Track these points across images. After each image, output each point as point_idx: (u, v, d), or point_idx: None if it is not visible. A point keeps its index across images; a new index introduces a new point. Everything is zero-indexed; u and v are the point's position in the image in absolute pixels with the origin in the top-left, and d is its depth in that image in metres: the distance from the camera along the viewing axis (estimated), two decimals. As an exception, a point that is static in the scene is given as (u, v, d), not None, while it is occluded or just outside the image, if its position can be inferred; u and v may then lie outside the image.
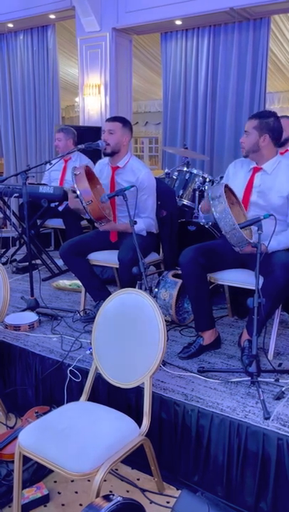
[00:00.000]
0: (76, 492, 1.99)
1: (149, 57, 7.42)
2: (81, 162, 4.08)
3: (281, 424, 1.83)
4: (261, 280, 2.24)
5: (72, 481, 2.02)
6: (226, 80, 5.59)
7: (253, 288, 2.09)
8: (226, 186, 2.29)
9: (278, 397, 2.01)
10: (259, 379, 2.07)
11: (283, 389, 2.05)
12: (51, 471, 2.05)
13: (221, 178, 3.31)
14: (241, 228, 2.14)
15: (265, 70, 5.33)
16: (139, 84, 8.51)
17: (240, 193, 2.44)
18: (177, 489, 1.98)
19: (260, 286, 2.12)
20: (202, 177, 3.64)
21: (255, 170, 2.44)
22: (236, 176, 2.52)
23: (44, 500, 1.93)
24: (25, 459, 1.81)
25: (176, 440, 2.03)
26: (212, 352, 2.48)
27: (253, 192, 2.42)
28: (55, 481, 2.04)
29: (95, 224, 2.78)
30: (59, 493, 1.99)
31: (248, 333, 2.35)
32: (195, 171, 3.68)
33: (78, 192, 2.52)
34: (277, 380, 2.15)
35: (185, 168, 3.72)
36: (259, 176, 2.42)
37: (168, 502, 1.91)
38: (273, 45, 6.26)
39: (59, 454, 1.60)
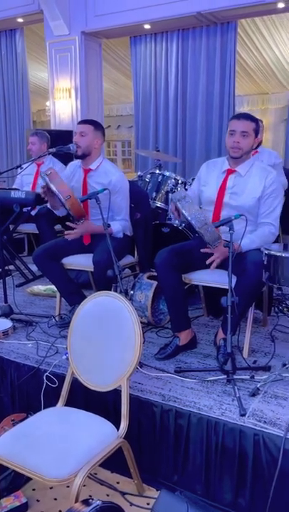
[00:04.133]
0: (55, 499, 1.97)
1: (120, 60, 7.45)
2: (54, 166, 4.06)
3: (257, 420, 1.86)
4: (234, 279, 2.27)
5: (51, 487, 2.00)
6: (195, 83, 5.67)
7: (227, 287, 2.12)
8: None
9: (254, 394, 2.04)
10: (235, 377, 2.10)
11: (258, 385, 2.09)
12: (29, 479, 2.02)
13: (193, 179, 3.35)
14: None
15: (233, 73, 5.44)
16: (110, 88, 8.53)
17: (213, 194, 2.47)
18: (157, 490, 1.98)
19: (233, 286, 2.15)
20: (174, 179, 3.67)
21: (229, 172, 2.47)
22: (209, 177, 2.55)
23: (23, 508, 1.90)
24: (2, 468, 1.78)
25: (154, 441, 2.04)
26: (188, 352, 2.50)
27: (226, 193, 2.46)
28: (34, 489, 2.02)
29: (72, 224, 2.73)
30: (38, 500, 1.96)
31: (223, 332, 2.39)
32: (167, 173, 3.71)
33: (55, 189, 2.49)
34: (252, 377, 2.18)
35: (157, 171, 3.74)
36: (232, 178, 2.46)
37: (148, 503, 1.91)
38: (241, 50, 6.39)
39: (36, 461, 1.58)
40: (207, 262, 2.30)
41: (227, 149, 2.44)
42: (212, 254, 2.33)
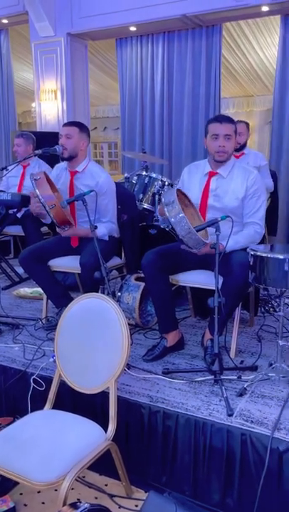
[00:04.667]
0: (43, 503, 1.95)
1: (105, 62, 7.44)
2: (40, 168, 4.04)
3: (244, 419, 1.87)
4: (221, 280, 2.29)
5: (38, 491, 1.98)
6: (181, 85, 5.69)
7: (214, 288, 2.13)
8: (178, 190, 2.33)
9: (241, 394, 2.06)
10: (222, 377, 2.11)
11: (245, 385, 2.10)
12: (17, 483, 2.00)
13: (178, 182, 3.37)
14: (199, 231, 2.19)
15: (218, 75, 5.48)
16: (96, 90, 8.51)
17: (197, 197, 2.49)
18: (145, 492, 1.98)
19: (220, 286, 2.17)
20: (161, 181, 3.68)
21: (211, 174, 2.49)
22: (191, 180, 2.56)
23: (10, 513, 1.88)
24: (-11, 473, 1.76)
25: (142, 443, 2.04)
26: (176, 353, 2.51)
27: (210, 196, 2.47)
28: (21, 493, 2.00)
29: (57, 230, 2.74)
30: (25, 505, 1.95)
31: (210, 333, 2.40)
32: (154, 175, 3.72)
33: (40, 197, 2.49)
34: (239, 377, 2.20)
35: (144, 173, 3.75)
36: (215, 180, 2.47)
37: (136, 505, 1.91)
38: (226, 52, 6.44)
39: (24, 465, 1.57)
40: (182, 247, 2.30)
41: (210, 153, 2.44)
42: (199, 256, 2.34)
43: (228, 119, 2.41)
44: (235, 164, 2.47)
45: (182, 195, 2.39)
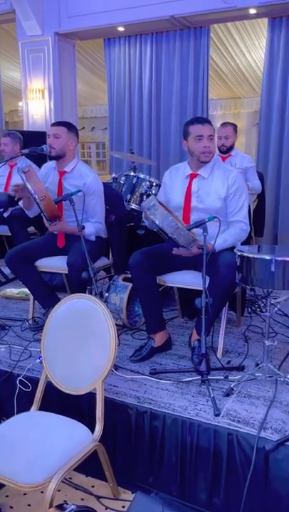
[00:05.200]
0: (29, 505, 1.93)
1: (94, 62, 7.43)
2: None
3: (231, 419, 1.88)
4: (208, 280, 2.30)
5: (24, 494, 1.96)
6: (169, 86, 5.71)
7: (201, 289, 2.14)
8: (157, 200, 2.33)
9: (228, 394, 2.06)
10: (209, 377, 2.12)
11: (232, 385, 2.11)
12: (2, 486, 1.98)
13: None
14: (188, 230, 2.19)
15: (206, 77, 5.51)
16: (84, 90, 8.49)
17: (180, 200, 2.50)
18: (132, 493, 1.98)
19: (206, 287, 2.18)
20: (149, 181, 3.68)
21: (192, 176, 2.50)
22: (173, 183, 2.57)
23: (-5, 516, 1.86)
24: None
25: (130, 443, 2.04)
26: (163, 353, 2.51)
27: (193, 197, 2.49)
28: (7, 496, 1.98)
29: (46, 223, 2.71)
30: (11, 507, 1.93)
31: (198, 333, 2.41)
32: (142, 176, 3.71)
33: (30, 189, 2.46)
34: (226, 377, 2.21)
35: (132, 173, 3.74)
36: (196, 182, 2.49)
37: (123, 506, 1.90)
38: (214, 54, 6.48)
39: (9, 467, 1.55)
40: (174, 252, 2.32)
41: (194, 154, 2.44)
42: (187, 256, 2.34)
43: (208, 121, 2.45)
44: (215, 165, 2.49)
45: (161, 205, 2.40)
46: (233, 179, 2.44)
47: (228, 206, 2.46)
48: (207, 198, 2.46)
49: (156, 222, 2.16)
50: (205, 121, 2.42)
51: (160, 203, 2.38)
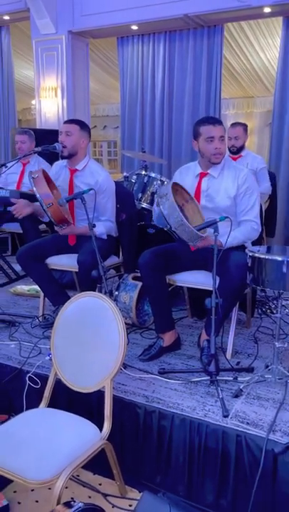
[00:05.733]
0: (37, 501, 1.94)
1: (106, 61, 7.43)
2: (40, 165, 4.02)
3: (239, 421, 1.87)
4: (218, 281, 2.28)
5: (32, 490, 1.97)
6: (182, 85, 5.69)
7: (211, 289, 2.13)
8: (177, 184, 2.32)
9: (236, 395, 2.05)
10: (218, 378, 2.11)
11: (241, 386, 2.10)
12: (10, 481, 1.99)
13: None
14: (198, 230, 2.18)
15: (219, 76, 5.47)
16: (96, 88, 8.50)
17: None
18: (139, 492, 1.98)
19: (217, 287, 2.16)
20: (160, 180, 3.68)
21: (202, 175, 2.49)
22: (184, 182, 2.55)
23: (3, 511, 1.87)
24: (-17, 471, 1.75)
25: (137, 442, 2.04)
26: (172, 353, 2.50)
27: (202, 196, 2.47)
28: (15, 491, 1.99)
29: (55, 228, 2.74)
30: (19, 503, 1.94)
31: (207, 333, 2.40)
32: (153, 175, 3.71)
33: (38, 195, 2.48)
34: (235, 379, 2.20)
35: (143, 172, 3.74)
36: (206, 181, 2.48)
37: (130, 505, 1.90)
38: (228, 53, 6.44)
39: (18, 463, 1.56)
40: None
41: (205, 155, 2.42)
42: (196, 256, 2.34)
43: (219, 121, 2.43)
44: (225, 164, 2.47)
45: (182, 190, 2.38)
46: (244, 178, 2.42)
47: (238, 205, 2.44)
48: (216, 196, 2.44)
49: (164, 213, 2.14)
50: (216, 121, 2.40)
51: (182, 188, 2.36)
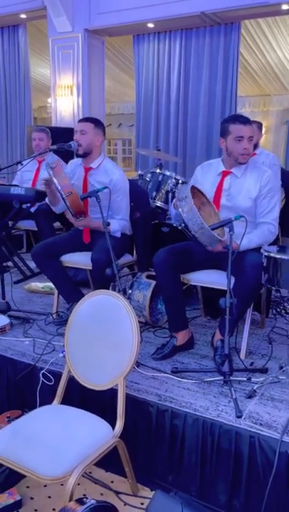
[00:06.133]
0: (49, 497, 1.96)
1: (122, 59, 7.43)
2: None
3: (253, 422, 1.86)
4: (233, 280, 2.27)
5: (45, 485, 1.99)
6: (197, 82, 5.66)
7: (225, 288, 2.12)
8: (194, 187, 2.30)
9: (250, 396, 2.04)
10: (231, 378, 2.09)
11: (255, 387, 2.08)
12: (23, 476, 2.01)
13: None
14: (214, 229, 2.16)
15: (236, 73, 5.43)
16: (112, 86, 8.51)
17: (210, 197, 2.46)
18: (151, 490, 1.98)
19: (231, 287, 2.15)
20: (175, 179, 3.66)
21: (225, 173, 2.46)
22: (205, 179, 2.53)
23: (16, 506, 1.89)
24: (-3, 465, 1.77)
25: (150, 441, 2.04)
26: (185, 352, 2.50)
27: (223, 195, 2.45)
28: (28, 487, 2.01)
29: (71, 219, 2.72)
30: (32, 498, 1.96)
31: (221, 333, 2.38)
32: (168, 173, 3.70)
33: (57, 184, 2.48)
34: (249, 379, 2.18)
35: (158, 170, 3.73)
36: (228, 180, 2.45)
37: (142, 503, 1.91)
38: (244, 51, 6.38)
39: (31, 459, 1.57)
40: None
41: (232, 155, 2.38)
42: (211, 255, 2.32)
43: (249, 120, 2.37)
44: (249, 164, 2.44)
45: (199, 192, 2.37)
46: (267, 179, 2.38)
47: (258, 206, 2.41)
48: (237, 196, 2.41)
49: (183, 216, 2.13)
50: (247, 121, 2.35)
51: (199, 190, 2.35)
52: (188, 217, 2.11)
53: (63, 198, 2.49)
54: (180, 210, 2.14)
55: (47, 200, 2.98)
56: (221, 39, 5.40)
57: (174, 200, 2.57)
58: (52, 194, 2.78)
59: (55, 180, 2.48)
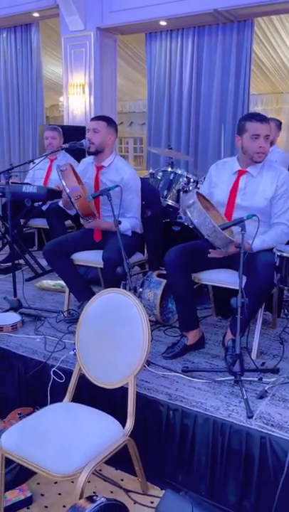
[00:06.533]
0: (59, 494, 1.97)
1: (134, 57, 7.42)
2: (67, 162, 4.06)
3: (264, 422, 1.84)
4: (244, 280, 2.25)
5: (55, 482, 2.00)
6: (210, 81, 5.63)
7: (237, 288, 2.10)
8: (199, 194, 2.29)
9: (261, 396, 2.02)
10: (242, 378, 2.08)
11: (266, 388, 2.07)
12: (34, 473, 2.03)
13: (204, 178, 3.33)
14: (224, 229, 2.15)
15: (248, 71, 5.39)
16: (124, 84, 8.51)
17: (225, 196, 2.44)
18: (161, 489, 1.98)
19: (243, 286, 2.13)
20: (186, 177, 3.65)
21: (241, 173, 2.44)
22: (220, 178, 2.51)
23: (27, 502, 1.91)
24: (8, 461, 1.79)
25: (160, 440, 2.03)
26: (196, 352, 2.49)
27: (238, 195, 2.42)
28: (38, 483, 2.02)
29: (81, 221, 2.75)
30: (42, 494, 1.97)
31: (232, 333, 2.37)
32: (179, 172, 3.69)
33: (66, 187, 2.50)
34: (260, 379, 2.17)
35: (169, 169, 3.72)
36: (244, 179, 2.42)
37: (152, 502, 1.91)
38: (257, 49, 6.33)
39: (42, 456, 1.58)
40: (210, 256, 2.29)
41: (247, 153, 2.35)
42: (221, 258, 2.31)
43: (267, 119, 2.34)
44: (265, 163, 2.41)
45: (202, 199, 2.35)
46: (283, 180, 2.35)
47: (273, 207, 2.38)
48: (253, 196, 2.39)
49: (194, 222, 2.12)
50: (264, 119, 2.32)
51: (202, 196, 2.34)
52: (199, 222, 2.10)
53: (72, 202, 2.51)
54: (190, 216, 2.13)
55: (60, 203, 3.00)
56: (234, 37, 5.35)
57: (181, 208, 2.55)
58: (67, 201, 2.80)
59: (63, 183, 2.49)
